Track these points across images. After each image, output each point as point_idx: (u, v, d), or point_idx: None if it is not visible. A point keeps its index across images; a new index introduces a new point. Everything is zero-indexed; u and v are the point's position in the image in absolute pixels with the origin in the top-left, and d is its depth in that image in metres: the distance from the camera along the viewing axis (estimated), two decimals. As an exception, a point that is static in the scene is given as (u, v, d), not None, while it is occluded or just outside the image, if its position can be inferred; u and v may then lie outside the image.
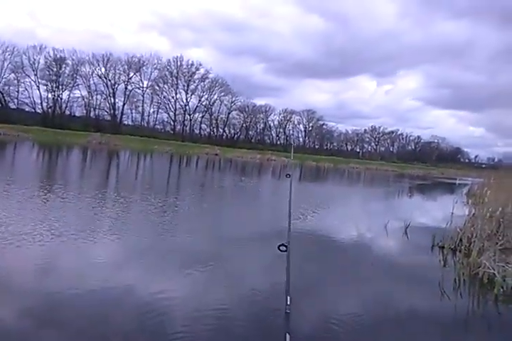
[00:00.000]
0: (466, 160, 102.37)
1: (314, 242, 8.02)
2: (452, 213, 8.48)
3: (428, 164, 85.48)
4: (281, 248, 2.97)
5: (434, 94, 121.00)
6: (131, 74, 67.17)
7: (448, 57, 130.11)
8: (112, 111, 67.39)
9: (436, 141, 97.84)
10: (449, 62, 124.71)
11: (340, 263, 6.85)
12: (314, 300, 5.03)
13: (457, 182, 26.04)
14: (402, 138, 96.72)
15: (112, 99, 66.87)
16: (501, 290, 5.86)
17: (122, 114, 68.89)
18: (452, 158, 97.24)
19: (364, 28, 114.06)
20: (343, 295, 5.35)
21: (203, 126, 76.22)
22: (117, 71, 66.34)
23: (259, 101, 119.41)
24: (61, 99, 63.96)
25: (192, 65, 70.22)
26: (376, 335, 4.25)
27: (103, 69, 65.27)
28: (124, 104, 68.37)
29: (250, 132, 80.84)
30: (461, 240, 8.17)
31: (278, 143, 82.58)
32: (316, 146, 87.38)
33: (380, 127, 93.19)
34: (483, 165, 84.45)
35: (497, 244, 7.83)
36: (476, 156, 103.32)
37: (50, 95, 63.12)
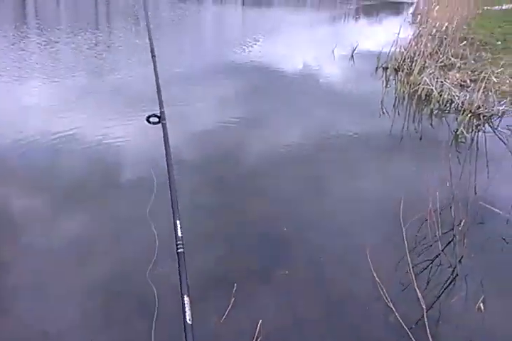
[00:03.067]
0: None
1: (256, 69, 7.83)
2: (398, 34, 8.33)
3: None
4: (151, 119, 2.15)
5: None
6: None
7: None
8: None
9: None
10: None
11: (281, 94, 6.82)
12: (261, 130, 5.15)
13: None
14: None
15: None
16: (437, 104, 6.20)
17: None
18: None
19: None
20: (284, 126, 5.45)
21: None
22: None
23: None
24: None
25: None
26: (317, 163, 4.52)
27: None
28: None
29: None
30: (404, 60, 8.23)
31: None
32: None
33: None
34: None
35: (437, 61, 7.96)
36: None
37: None
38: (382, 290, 2.45)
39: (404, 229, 2.86)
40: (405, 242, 2.77)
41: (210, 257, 3.18)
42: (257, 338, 2.48)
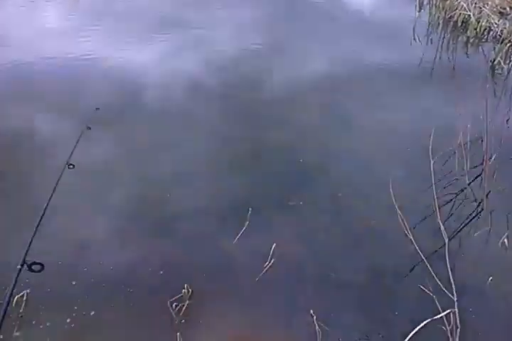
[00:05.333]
0: None
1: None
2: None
3: None
4: None
5: None
6: None
7: None
8: None
9: None
10: None
11: (306, 20, 6.32)
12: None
13: None
14: None
15: None
16: (474, 32, 5.71)
17: None
18: None
19: None
20: (310, 56, 5.10)
21: None
22: None
23: None
24: None
25: None
26: (343, 92, 4.24)
27: None
28: None
29: None
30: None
31: None
32: None
33: None
34: None
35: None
36: None
37: None
38: (402, 221, 2.36)
39: (432, 162, 2.73)
40: (432, 174, 2.65)
41: (226, 181, 3.13)
42: (271, 259, 2.49)
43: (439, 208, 2.73)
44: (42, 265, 1.58)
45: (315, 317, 2.13)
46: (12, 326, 2.09)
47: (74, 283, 2.35)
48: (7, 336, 2.04)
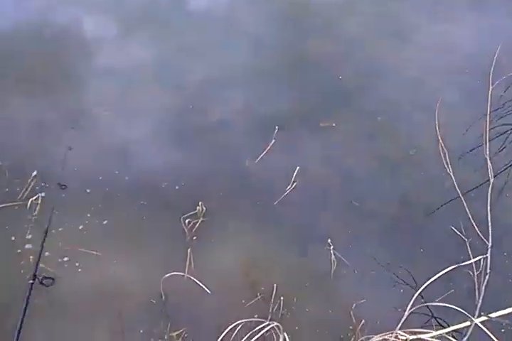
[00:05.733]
0: None
1: None
2: None
3: None
4: None
5: None
6: None
7: None
8: None
9: None
10: None
11: None
12: None
13: None
14: None
15: None
16: None
17: None
18: None
19: None
20: None
21: None
22: None
23: None
24: None
25: None
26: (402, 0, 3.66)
27: None
28: None
29: None
30: None
31: None
32: None
33: None
34: None
35: None
36: None
37: None
38: (443, 151, 2.07)
39: (491, 87, 2.33)
40: (488, 101, 2.27)
41: (257, 93, 2.86)
42: (293, 183, 2.34)
43: (489, 141, 2.45)
44: (53, 279, 1.84)
45: (332, 247, 2.02)
46: (25, 228, 2.09)
47: (88, 191, 2.30)
48: (19, 238, 2.06)
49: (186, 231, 2.13)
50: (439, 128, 2.08)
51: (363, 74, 3.01)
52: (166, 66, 3.01)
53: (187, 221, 2.13)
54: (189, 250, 2.00)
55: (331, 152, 2.56)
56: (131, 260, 2.05)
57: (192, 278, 1.86)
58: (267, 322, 1.58)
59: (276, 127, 2.59)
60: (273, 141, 2.55)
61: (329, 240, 2.06)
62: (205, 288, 1.85)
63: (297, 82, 2.99)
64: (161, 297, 1.92)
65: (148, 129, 2.63)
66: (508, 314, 1.83)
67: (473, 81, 2.84)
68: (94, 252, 2.01)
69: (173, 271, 1.88)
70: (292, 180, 2.35)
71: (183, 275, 1.92)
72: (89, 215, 2.19)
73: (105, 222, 2.17)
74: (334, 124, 2.70)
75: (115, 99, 2.78)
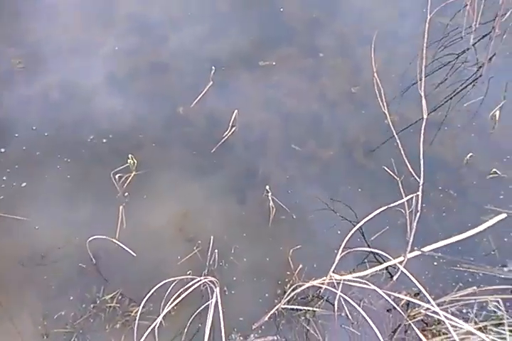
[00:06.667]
0: None
1: None
2: None
3: None
4: None
5: None
6: None
7: None
8: None
9: None
10: None
11: None
12: None
13: None
14: None
15: None
16: None
17: None
18: None
19: None
20: None
21: None
22: None
23: None
24: None
25: None
26: None
27: None
28: None
29: None
30: None
31: None
32: None
33: None
34: None
35: None
36: None
37: None
38: (378, 89, 1.94)
39: (429, 14, 2.14)
40: (425, 30, 2.11)
41: (190, 33, 2.63)
42: (231, 128, 2.24)
43: (429, 74, 2.39)
44: None
45: (270, 193, 1.98)
46: None
47: (2, 150, 2.12)
48: None
49: (117, 187, 2.02)
50: (375, 63, 1.96)
51: (307, 6, 2.81)
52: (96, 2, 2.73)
53: (117, 176, 2.01)
54: (121, 207, 1.91)
55: (270, 93, 2.44)
56: (57, 224, 1.94)
57: (114, 241, 1.76)
58: (202, 278, 1.57)
59: (213, 68, 2.43)
60: (210, 82, 2.41)
61: (267, 186, 2.02)
62: (130, 251, 1.76)
63: (237, 18, 2.76)
64: (91, 260, 1.86)
65: (72, 74, 2.41)
66: (440, 247, 1.92)
67: (416, 6, 2.70)
68: (16, 217, 1.90)
69: (105, 232, 1.80)
70: (230, 124, 2.26)
71: (111, 239, 1.82)
72: (4, 178, 2.04)
73: (24, 185, 2.03)
74: (274, 63, 2.55)
75: (35, 41, 2.52)
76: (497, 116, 2.28)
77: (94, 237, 1.77)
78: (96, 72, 2.46)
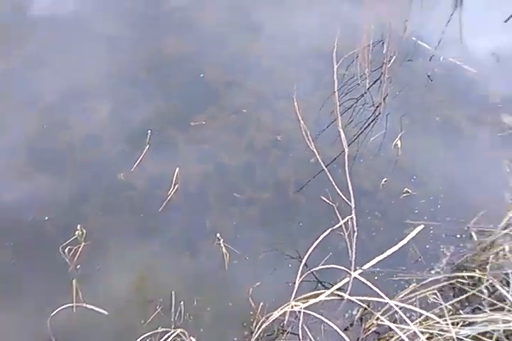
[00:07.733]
0: None
1: None
2: None
3: None
4: None
5: None
6: None
7: None
8: None
9: None
10: None
11: None
12: None
13: None
14: None
15: None
16: None
17: None
18: None
19: None
20: None
21: None
22: None
23: None
24: None
25: None
26: None
27: None
28: None
29: None
30: None
31: None
32: None
33: None
34: None
35: None
36: None
37: None
38: (305, 132, 2.28)
39: (335, 67, 2.57)
40: (335, 81, 2.53)
41: (117, 102, 2.84)
42: (175, 185, 2.41)
43: (340, 115, 2.76)
44: None
45: (222, 241, 2.16)
46: None
47: None
48: None
49: (68, 261, 2.06)
50: (298, 110, 2.29)
51: (225, 70, 3.14)
52: (16, 81, 2.87)
53: (66, 250, 2.06)
54: (74, 281, 1.93)
55: (205, 149, 2.68)
56: (7, 311, 1.92)
57: (84, 305, 1.79)
58: (171, 331, 1.65)
59: (149, 131, 2.64)
60: (147, 146, 2.61)
61: (218, 234, 2.18)
62: (102, 310, 1.80)
63: (161, 84, 3.02)
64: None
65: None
66: (377, 263, 2.18)
67: (320, 63, 3.12)
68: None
69: (61, 311, 1.81)
70: (173, 182, 2.44)
71: (71, 306, 1.84)
72: None
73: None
74: (204, 122, 2.82)
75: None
76: (399, 145, 2.69)
77: (54, 312, 1.78)
78: (22, 155, 2.54)
